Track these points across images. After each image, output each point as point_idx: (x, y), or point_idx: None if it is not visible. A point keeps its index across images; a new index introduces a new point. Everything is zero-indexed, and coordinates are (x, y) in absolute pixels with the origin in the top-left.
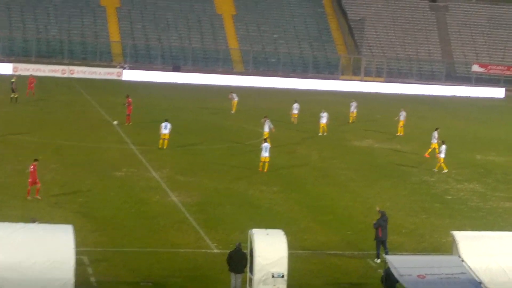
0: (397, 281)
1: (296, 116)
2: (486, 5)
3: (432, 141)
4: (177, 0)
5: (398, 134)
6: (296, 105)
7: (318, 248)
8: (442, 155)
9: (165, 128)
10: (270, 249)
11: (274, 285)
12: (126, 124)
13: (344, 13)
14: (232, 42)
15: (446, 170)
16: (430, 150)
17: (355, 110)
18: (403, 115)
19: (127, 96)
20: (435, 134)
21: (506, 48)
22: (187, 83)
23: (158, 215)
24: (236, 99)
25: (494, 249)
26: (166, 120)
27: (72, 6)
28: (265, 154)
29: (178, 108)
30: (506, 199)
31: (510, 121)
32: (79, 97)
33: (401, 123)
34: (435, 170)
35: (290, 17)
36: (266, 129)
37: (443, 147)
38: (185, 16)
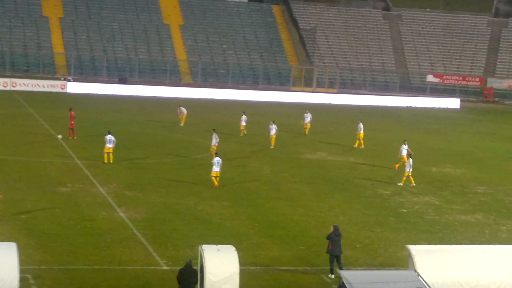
0: None
1: (244, 128)
2: (440, 14)
3: (402, 154)
4: (123, 10)
5: (360, 146)
6: (244, 117)
7: (271, 263)
8: (409, 169)
9: (109, 142)
10: (221, 266)
11: None
12: (70, 138)
13: (295, 23)
14: (180, 53)
15: (401, 184)
16: (400, 163)
17: (308, 121)
18: (361, 127)
19: (70, 109)
20: (404, 146)
21: (461, 57)
22: (133, 95)
23: (105, 231)
24: (184, 112)
25: (450, 263)
26: (109, 132)
27: (13, 16)
28: (217, 169)
29: (125, 121)
30: (462, 212)
31: (466, 132)
32: (21, 110)
33: (361, 135)
34: (413, 184)
35: (239, 27)
36: (214, 142)
37: (410, 160)
38: (131, 26)
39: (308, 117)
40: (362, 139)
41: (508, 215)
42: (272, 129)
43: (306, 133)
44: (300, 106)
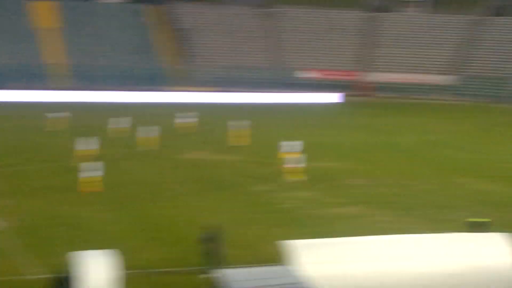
0: None
1: (122, 130)
2: (316, 10)
3: (284, 150)
4: None
5: (238, 144)
6: (120, 120)
7: (150, 266)
8: (295, 165)
9: None
10: (97, 272)
11: None
12: None
13: (171, 23)
14: (55, 56)
15: (290, 179)
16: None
17: (187, 121)
18: (239, 125)
19: None
20: (288, 142)
21: (339, 53)
22: (6, 102)
23: None
24: (57, 116)
25: (329, 255)
26: None
27: None
28: (91, 173)
29: None
30: (340, 205)
31: (345, 126)
32: None
33: (239, 133)
34: (291, 179)
35: (115, 28)
36: (88, 146)
37: (294, 156)
38: (5, 31)
39: (185, 117)
40: (242, 137)
41: (383, 206)
42: (146, 131)
43: (185, 132)
44: (179, 106)
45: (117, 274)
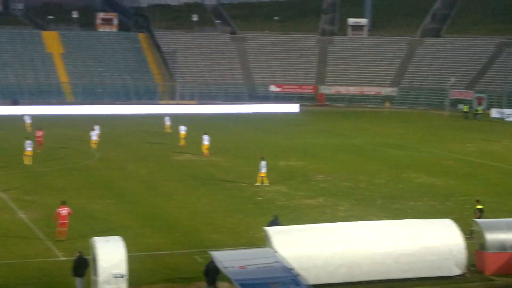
0: (217, 273)
1: (169, 127)
2: (277, 34)
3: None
4: (11, 43)
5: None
6: (167, 118)
7: (151, 249)
8: (264, 170)
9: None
10: (110, 254)
11: (116, 285)
12: None
13: (158, 47)
14: (63, 77)
15: (258, 184)
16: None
17: (169, 126)
18: (206, 138)
19: None
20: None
21: (297, 70)
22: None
23: (8, 231)
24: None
25: (299, 240)
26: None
27: None
28: None
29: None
30: (307, 197)
31: (305, 131)
32: None
33: (204, 146)
34: (258, 184)
35: (112, 52)
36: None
37: (263, 162)
38: (19, 56)
39: (168, 121)
40: (207, 149)
41: (343, 197)
42: (181, 130)
43: (171, 133)
44: (166, 116)
45: (125, 255)
